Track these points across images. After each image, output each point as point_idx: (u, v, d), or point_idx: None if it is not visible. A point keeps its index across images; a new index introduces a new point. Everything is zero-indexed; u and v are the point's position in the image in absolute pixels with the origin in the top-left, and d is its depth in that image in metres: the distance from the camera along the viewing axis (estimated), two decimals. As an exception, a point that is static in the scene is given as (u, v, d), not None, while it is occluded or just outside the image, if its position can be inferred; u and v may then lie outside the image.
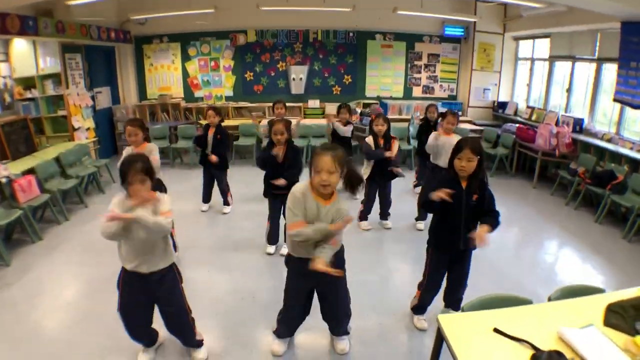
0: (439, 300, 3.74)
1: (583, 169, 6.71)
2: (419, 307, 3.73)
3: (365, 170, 5.47)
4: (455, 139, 4.33)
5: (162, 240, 2.89)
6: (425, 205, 3.33)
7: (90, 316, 3.83)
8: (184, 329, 3.20)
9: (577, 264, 5.05)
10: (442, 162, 5.07)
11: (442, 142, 5.19)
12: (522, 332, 2.24)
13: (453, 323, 2.38)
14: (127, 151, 4.33)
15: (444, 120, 5.35)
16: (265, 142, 5.38)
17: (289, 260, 3.15)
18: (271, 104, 9.50)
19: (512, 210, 6.56)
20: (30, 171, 5.82)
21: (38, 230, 5.45)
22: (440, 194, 3.03)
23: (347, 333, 3.47)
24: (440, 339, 2.44)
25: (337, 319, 3.35)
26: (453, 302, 3.69)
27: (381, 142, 5.37)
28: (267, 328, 3.61)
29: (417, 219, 5.86)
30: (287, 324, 3.38)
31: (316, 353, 3.43)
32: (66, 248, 5.23)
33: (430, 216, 3.71)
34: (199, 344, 3.31)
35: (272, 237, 5.01)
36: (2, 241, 4.92)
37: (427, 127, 6.74)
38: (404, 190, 7.18)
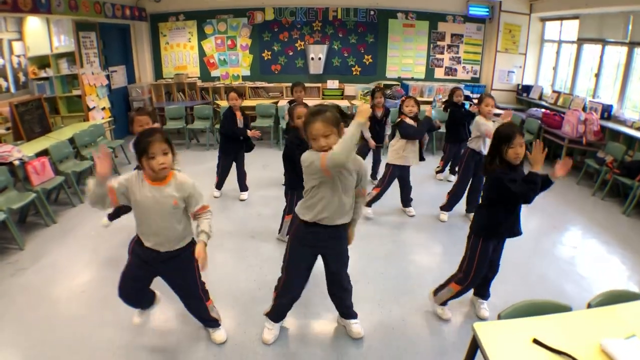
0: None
1: (611, 158, 6.44)
2: (450, 300, 3.56)
3: (398, 153, 5.20)
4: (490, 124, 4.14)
5: (180, 224, 2.81)
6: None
7: (105, 303, 3.71)
8: (199, 307, 3.17)
9: (607, 259, 4.78)
10: (484, 147, 4.97)
11: (487, 127, 4.93)
12: (562, 342, 2.10)
13: (490, 331, 2.23)
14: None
15: (481, 104, 5.06)
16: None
17: (299, 228, 2.98)
18: (289, 85, 9.36)
19: (536, 199, 6.30)
20: (44, 152, 5.71)
21: (52, 213, 5.35)
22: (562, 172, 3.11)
23: (356, 316, 3.40)
24: (474, 347, 2.31)
25: (344, 287, 3.25)
26: (483, 292, 3.63)
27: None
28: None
29: (442, 209, 5.55)
30: (284, 302, 3.26)
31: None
32: (81, 231, 5.12)
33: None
34: (215, 323, 3.27)
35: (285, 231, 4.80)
36: (16, 224, 4.83)
37: (458, 112, 6.53)
38: (426, 175, 6.99)
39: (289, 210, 4.60)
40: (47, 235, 5.02)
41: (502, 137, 3.02)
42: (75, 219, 5.44)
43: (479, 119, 5.09)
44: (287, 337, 3.41)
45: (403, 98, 5.30)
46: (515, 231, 3.27)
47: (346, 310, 3.37)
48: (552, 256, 4.74)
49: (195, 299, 3.13)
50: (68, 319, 3.57)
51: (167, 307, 3.57)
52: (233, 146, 5.84)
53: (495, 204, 3.19)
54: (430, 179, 7.01)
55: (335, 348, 3.29)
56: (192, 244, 2.91)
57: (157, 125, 4.19)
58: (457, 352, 3.15)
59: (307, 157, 2.70)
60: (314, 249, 3.03)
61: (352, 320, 3.39)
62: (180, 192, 2.70)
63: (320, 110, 2.65)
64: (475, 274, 3.35)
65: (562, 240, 5.21)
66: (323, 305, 3.64)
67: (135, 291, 3.06)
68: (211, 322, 3.26)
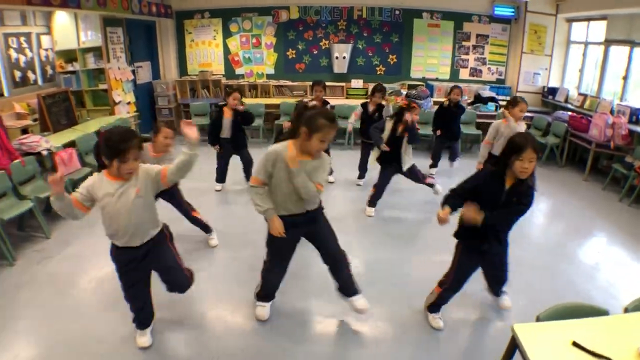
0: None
1: (639, 163, 6.29)
2: (436, 305, 3.46)
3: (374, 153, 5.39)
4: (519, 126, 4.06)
5: (147, 216, 2.83)
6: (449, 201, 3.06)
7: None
8: (183, 283, 3.22)
9: (634, 266, 4.63)
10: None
11: (505, 130, 4.86)
12: (601, 346, 2.09)
13: (530, 333, 2.21)
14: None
15: (515, 108, 4.94)
16: None
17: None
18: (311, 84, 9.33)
19: (562, 204, 6.27)
20: (71, 144, 5.76)
21: (78, 204, 5.37)
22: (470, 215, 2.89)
23: (358, 292, 3.43)
24: (512, 348, 2.30)
25: (336, 260, 3.35)
26: (497, 290, 3.58)
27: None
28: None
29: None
30: (272, 281, 3.43)
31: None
32: (106, 223, 5.14)
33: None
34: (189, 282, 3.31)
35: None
36: (42, 213, 4.86)
37: (444, 111, 6.85)
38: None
39: None
40: (73, 225, 5.03)
41: (514, 146, 2.79)
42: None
43: (498, 122, 5.08)
44: (294, 334, 3.39)
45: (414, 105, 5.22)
46: (481, 244, 3.09)
47: (347, 289, 3.42)
48: (579, 261, 4.65)
49: (179, 277, 3.17)
50: (93, 309, 3.59)
51: (195, 306, 3.56)
52: (223, 142, 5.91)
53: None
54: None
55: (345, 349, 3.27)
56: (162, 231, 2.98)
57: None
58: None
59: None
60: (296, 230, 3.22)
61: (356, 296, 3.42)
62: (142, 179, 2.71)
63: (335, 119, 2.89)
64: (454, 277, 3.27)
65: (587, 245, 5.13)
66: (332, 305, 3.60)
67: (142, 293, 3.09)
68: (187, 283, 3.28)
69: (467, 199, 2.96)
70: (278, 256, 3.33)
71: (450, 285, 3.30)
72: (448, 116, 6.92)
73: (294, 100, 9.36)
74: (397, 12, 9.78)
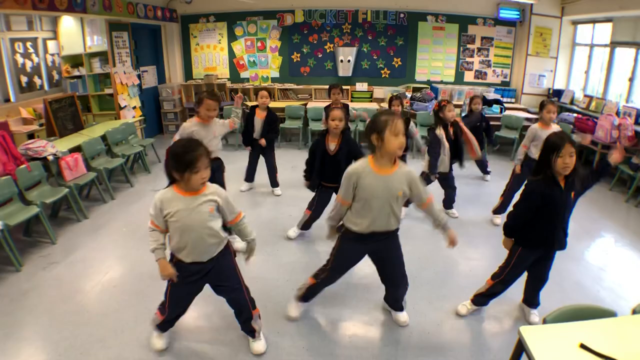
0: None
1: (646, 164, 6.26)
2: (484, 296, 3.53)
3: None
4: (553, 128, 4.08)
5: (215, 233, 2.77)
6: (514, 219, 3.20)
7: (136, 299, 3.75)
8: (243, 310, 3.09)
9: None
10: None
11: (542, 133, 4.78)
12: (609, 348, 2.06)
13: (536, 335, 2.19)
14: (186, 128, 4.39)
15: (543, 110, 4.96)
16: None
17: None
18: (318, 87, 9.36)
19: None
20: (77, 149, 5.78)
21: (84, 209, 5.41)
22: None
23: (403, 309, 3.49)
24: (519, 351, 2.27)
25: (396, 283, 3.35)
26: (531, 300, 3.55)
27: (451, 131, 5.06)
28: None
29: (495, 212, 5.49)
30: (320, 287, 3.42)
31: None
32: (111, 228, 5.17)
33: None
34: (255, 332, 3.17)
35: (305, 225, 4.82)
36: (48, 219, 4.88)
37: (474, 118, 6.53)
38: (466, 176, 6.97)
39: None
40: (79, 231, 5.07)
41: (550, 145, 2.91)
42: (107, 215, 5.49)
43: (534, 126, 5.05)
44: (318, 333, 3.38)
45: (443, 102, 5.15)
46: (555, 244, 3.17)
47: (396, 305, 3.50)
48: (586, 262, 4.62)
49: (240, 299, 3.06)
50: (99, 313, 3.58)
51: (202, 309, 3.56)
52: (251, 139, 5.96)
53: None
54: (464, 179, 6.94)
55: (368, 349, 3.25)
56: (227, 248, 2.93)
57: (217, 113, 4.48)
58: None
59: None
60: (365, 245, 3.14)
61: (400, 312, 3.50)
62: (216, 199, 2.70)
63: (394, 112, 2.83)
64: (508, 274, 3.34)
65: (595, 246, 5.10)
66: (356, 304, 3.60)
67: (186, 304, 3.07)
68: (250, 326, 3.15)
69: (532, 215, 3.07)
70: (340, 268, 3.31)
71: (504, 279, 3.38)
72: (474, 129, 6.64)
73: (298, 103, 9.37)
74: (401, 15, 9.77)
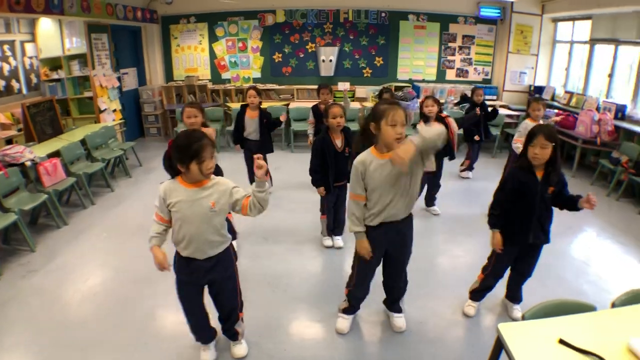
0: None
1: (626, 158, 6.33)
2: (479, 291, 3.58)
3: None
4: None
5: (217, 230, 2.71)
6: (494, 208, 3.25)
7: (117, 305, 3.70)
8: (232, 313, 3.07)
9: (623, 260, 4.70)
10: None
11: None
12: (589, 342, 2.06)
13: (515, 332, 2.18)
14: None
15: (529, 108, 5.25)
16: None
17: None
18: (300, 87, 9.33)
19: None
20: (56, 154, 5.70)
21: (63, 215, 5.33)
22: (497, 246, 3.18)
23: (402, 310, 3.48)
24: (498, 348, 2.26)
25: (398, 285, 3.35)
26: (513, 295, 3.60)
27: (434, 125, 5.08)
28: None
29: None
30: (358, 296, 3.37)
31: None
32: (92, 233, 5.10)
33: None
34: (238, 335, 3.16)
35: (329, 229, 4.77)
36: (27, 226, 4.81)
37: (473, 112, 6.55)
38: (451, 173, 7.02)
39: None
40: (59, 237, 5.00)
41: (529, 134, 3.03)
42: (87, 221, 5.43)
43: (526, 122, 5.19)
44: (301, 334, 3.37)
45: (423, 99, 5.22)
46: (529, 235, 3.18)
47: (394, 306, 3.48)
48: (569, 257, 4.69)
49: (232, 306, 3.04)
50: (80, 321, 3.54)
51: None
52: (242, 139, 5.84)
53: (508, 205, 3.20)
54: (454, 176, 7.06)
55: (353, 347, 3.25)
56: (230, 246, 2.88)
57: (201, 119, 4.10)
58: (479, 356, 3.12)
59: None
60: (382, 244, 3.09)
61: (399, 314, 3.47)
62: (219, 192, 2.63)
63: (395, 102, 2.81)
64: (494, 267, 3.42)
65: (577, 240, 5.17)
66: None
67: (195, 304, 2.96)
68: (234, 333, 3.14)
69: (509, 205, 3.14)
70: (365, 268, 3.22)
71: (491, 271, 3.45)
72: (481, 121, 6.82)
73: (281, 103, 9.34)
74: (383, 15, 9.79)
